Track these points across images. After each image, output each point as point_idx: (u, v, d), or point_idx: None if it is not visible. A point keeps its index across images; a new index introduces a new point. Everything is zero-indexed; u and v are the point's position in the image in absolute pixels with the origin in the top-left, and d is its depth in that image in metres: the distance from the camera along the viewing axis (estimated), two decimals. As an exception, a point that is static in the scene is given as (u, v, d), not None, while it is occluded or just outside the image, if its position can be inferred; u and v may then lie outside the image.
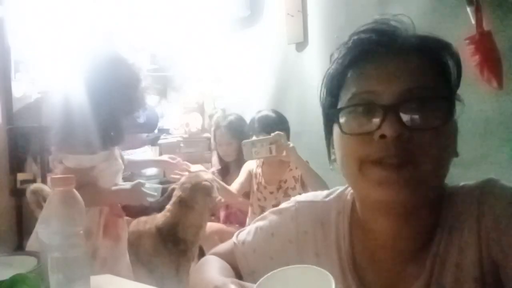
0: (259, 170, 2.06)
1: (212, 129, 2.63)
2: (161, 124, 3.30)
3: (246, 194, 2.10)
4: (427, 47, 0.58)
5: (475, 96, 1.71)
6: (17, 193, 2.41)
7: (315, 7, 2.50)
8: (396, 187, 0.53)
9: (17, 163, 2.49)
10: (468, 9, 1.70)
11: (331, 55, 0.64)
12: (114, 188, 1.51)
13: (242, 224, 2.15)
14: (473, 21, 1.69)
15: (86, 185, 1.35)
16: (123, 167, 1.58)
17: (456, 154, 0.59)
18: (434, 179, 0.56)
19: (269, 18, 2.79)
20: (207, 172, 1.99)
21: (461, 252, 0.56)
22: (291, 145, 1.76)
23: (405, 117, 0.53)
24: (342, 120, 0.59)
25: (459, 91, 0.60)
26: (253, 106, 2.80)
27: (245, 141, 1.77)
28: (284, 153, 1.74)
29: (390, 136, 0.52)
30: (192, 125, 3.18)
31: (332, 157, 0.65)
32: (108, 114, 1.41)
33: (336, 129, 0.61)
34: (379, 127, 0.53)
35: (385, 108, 0.53)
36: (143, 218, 1.87)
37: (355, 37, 0.60)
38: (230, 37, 3.03)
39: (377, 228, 0.62)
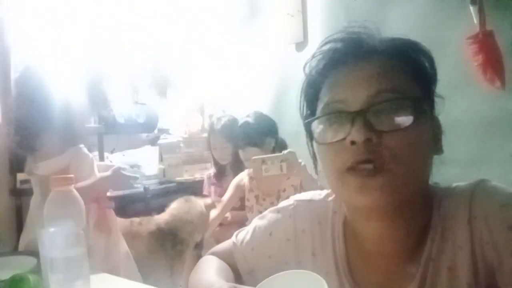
0: (254, 183, 1.99)
1: (207, 132, 2.62)
2: (161, 124, 3.30)
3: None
4: (394, 50, 0.59)
5: (475, 96, 1.71)
6: (17, 193, 2.41)
7: (315, 7, 2.50)
8: (373, 193, 0.53)
9: (17, 163, 2.48)
10: (471, 8, 1.70)
11: (304, 67, 0.66)
12: (95, 177, 1.48)
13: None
14: (475, 21, 1.69)
15: None
16: (94, 161, 1.56)
17: (438, 151, 0.59)
18: (412, 180, 0.55)
19: (269, 18, 2.79)
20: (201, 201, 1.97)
21: (454, 254, 0.56)
22: (303, 163, 1.70)
23: (373, 121, 0.54)
24: (317, 130, 0.60)
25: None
26: (253, 106, 2.81)
27: (254, 157, 1.71)
28: (295, 172, 1.69)
29: (359, 141, 0.53)
30: (192, 125, 3.18)
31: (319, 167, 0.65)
32: (69, 114, 1.41)
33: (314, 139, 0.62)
34: (348, 133, 0.54)
35: (352, 114, 0.55)
36: (136, 219, 1.87)
37: (323, 48, 0.63)
38: (230, 37, 3.03)
39: (364, 231, 0.63)
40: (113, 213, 1.57)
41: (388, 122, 0.54)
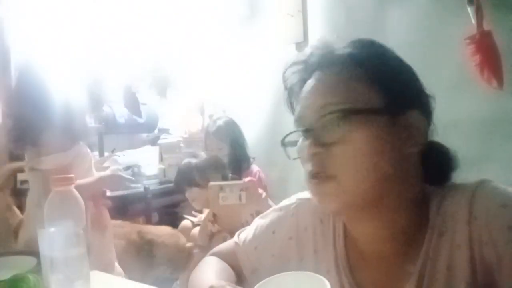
0: (210, 226, 1.76)
1: (203, 135, 2.63)
2: (161, 124, 3.30)
3: None
4: (344, 60, 0.60)
5: (475, 96, 1.71)
6: (17, 193, 2.41)
7: (315, 7, 2.50)
8: (324, 197, 0.59)
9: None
10: (469, 9, 1.70)
11: (284, 83, 0.70)
12: (95, 176, 1.53)
13: None
14: (473, 21, 1.69)
15: None
16: (93, 162, 1.60)
17: (417, 146, 0.58)
18: (367, 184, 0.56)
19: (269, 18, 2.79)
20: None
21: (452, 254, 0.56)
22: (264, 195, 1.59)
23: (321, 135, 0.57)
24: (298, 142, 0.64)
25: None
26: (253, 106, 2.81)
27: (212, 183, 1.60)
28: (255, 202, 1.55)
29: (308, 156, 0.58)
30: (192, 125, 3.18)
31: None
32: (71, 111, 1.44)
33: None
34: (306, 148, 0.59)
35: (303, 131, 0.61)
36: (118, 222, 1.89)
37: (285, 73, 0.68)
38: (230, 37, 3.03)
39: (356, 232, 0.64)
40: (107, 211, 1.60)
41: (334, 134, 0.56)
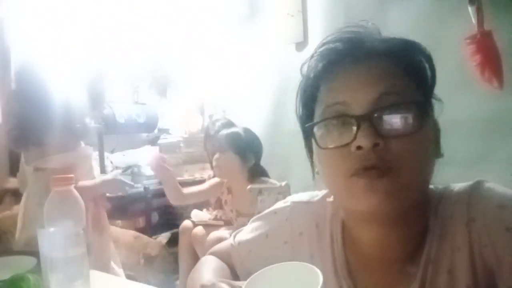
0: (229, 198, 1.96)
1: (203, 136, 2.63)
2: (161, 124, 3.29)
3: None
4: (394, 50, 0.57)
5: (475, 96, 1.71)
6: (17, 193, 2.41)
7: (315, 7, 2.50)
8: (378, 197, 0.52)
9: (17, 163, 2.48)
10: (469, 8, 1.70)
11: (301, 68, 0.64)
12: (97, 179, 1.61)
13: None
14: (474, 21, 1.69)
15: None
16: (93, 165, 1.68)
17: (439, 155, 0.58)
18: (417, 185, 0.55)
19: (269, 18, 2.79)
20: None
21: (453, 257, 0.56)
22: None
23: (378, 126, 0.52)
24: (318, 134, 0.58)
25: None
26: (253, 106, 2.81)
27: (252, 186, 1.67)
28: None
29: (366, 147, 0.51)
30: (192, 125, 3.18)
31: (316, 169, 0.64)
32: (72, 111, 1.47)
33: (314, 143, 0.59)
34: (354, 138, 0.52)
35: (358, 118, 0.53)
36: None
37: (322, 49, 0.60)
38: (230, 37, 3.03)
39: (364, 237, 0.62)
40: (105, 213, 1.65)
41: (394, 127, 0.53)
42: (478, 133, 1.74)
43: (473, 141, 1.72)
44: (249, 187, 1.66)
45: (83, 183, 1.53)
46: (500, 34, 1.68)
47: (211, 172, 2.51)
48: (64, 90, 1.44)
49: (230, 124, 2.46)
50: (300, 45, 2.58)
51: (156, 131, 3.25)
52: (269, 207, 1.53)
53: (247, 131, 1.99)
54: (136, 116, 2.96)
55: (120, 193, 1.74)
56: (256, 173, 1.94)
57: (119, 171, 1.75)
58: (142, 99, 3.21)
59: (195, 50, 3.15)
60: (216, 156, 1.94)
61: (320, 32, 2.44)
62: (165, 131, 3.30)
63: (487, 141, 1.73)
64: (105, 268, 1.44)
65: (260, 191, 1.63)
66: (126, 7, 2.86)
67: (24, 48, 2.42)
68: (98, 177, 1.63)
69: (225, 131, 1.97)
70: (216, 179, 2.04)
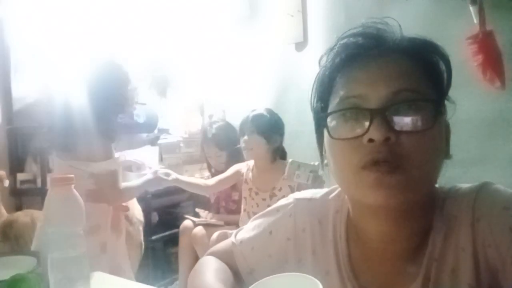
0: (250, 175, 2.04)
1: (201, 139, 2.63)
2: (161, 124, 3.29)
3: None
4: (415, 49, 0.58)
5: (476, 96, 1.71)
6: (17, 193, 2.41)
7: (315, 7, 2.50)
8: (388, 191, 0.52)
9: (17, 163, 2.48)
10: (471, 8, 1.70)
11: (320, 59, 0.64)
12: (140, 179, 1.73)
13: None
14: (475, 21, 1.69)
15: (116, 185, 1.55)
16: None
17: (448, 156, 0.59)
18: (425, 182, 0.56)
19: (269, 18, 2.79)
20: None
21: (457, 256, 0.56)
22: (325, 182, 1.70)
23: (392, 120, 0.53)
24: (331, 125, 0.59)
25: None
26: (253, 106, 2.80)
27: (293, 160, 1.73)
28: (316, 184, 1.69)
29: (378, 140, 0.52)
30: (192, 125, 3.18)
31: (325, 161, 0.64)
32: (103, 114, 1.47)
33: (326, 134, 0.60)
34: (366, 131, 0.53)
35: (372, 111, 0.53)
36: None
37: (342, 41, 0.61)
38: (230, 37, 3.03)
39: (369, 231, 0.62)
40: (123, 216, 1.67)
41: (407, 123, 0.53)
42: (479, 133, 1.74)
43: (473, 141, 1.72)
44: (290, 160, 1.75)
45: (127, 184, 1.63)
46: (502, 34, 1.68)
47: (208, 175, 2.52)
48: (92, 93, 1.44)
49: (227, 125, 2.46)
50: (300, 45, 2.58)
51: (156, 131, 3.25)
52: (301, 182, 1.63)
53: (270, 112, 2.05)
54: (136, 116, 2.95)
55: (158, 188, 1.95)
56: (278, 155, 2.04)
57: (156, 169, 1.86)
58: (142, 99, 3.20)
59: (195, 50, 3.15)
60: (245, 138, 1.99)
61: (320, 32, 2.44)
62: (165, 131, 3.29)
63: (487, 141, 1.73)
64: (117, 269, 1.45)
65: (298, 166, 1.72)
66: (126, 7, 2.86)
67: (24, 48, 2.42)
68: (140, 178, 1.75)
69: (251, 114, 2.02)
70: (236, 167, 2.14)
